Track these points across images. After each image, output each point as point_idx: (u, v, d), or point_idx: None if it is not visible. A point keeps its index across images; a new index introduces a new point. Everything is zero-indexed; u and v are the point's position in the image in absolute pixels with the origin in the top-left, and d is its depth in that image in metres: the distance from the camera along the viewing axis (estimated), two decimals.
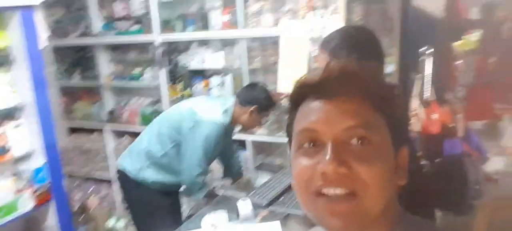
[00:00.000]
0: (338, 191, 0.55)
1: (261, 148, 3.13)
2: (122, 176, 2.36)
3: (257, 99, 2.29)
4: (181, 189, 2.42)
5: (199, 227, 1.74)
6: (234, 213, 1.79)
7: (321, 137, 0.57)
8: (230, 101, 2.34)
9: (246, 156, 3.04)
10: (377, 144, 0.57)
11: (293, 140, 0.63)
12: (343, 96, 0.57)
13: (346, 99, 0.57)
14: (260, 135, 2.99)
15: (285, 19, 2.66)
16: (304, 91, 0.62)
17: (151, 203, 2.32)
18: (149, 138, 2.34)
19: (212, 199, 2.19)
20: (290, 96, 0.65)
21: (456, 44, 4.64)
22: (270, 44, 2.93)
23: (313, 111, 0.59)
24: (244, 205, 1.78)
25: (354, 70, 0.59)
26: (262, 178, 2.29)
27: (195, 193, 2.28)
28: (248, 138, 2.99)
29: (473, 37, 4.69)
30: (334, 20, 2.37)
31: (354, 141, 0.56)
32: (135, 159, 2.33)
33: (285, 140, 2.46)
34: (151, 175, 2.30)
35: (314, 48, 2.28)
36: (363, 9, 2.45)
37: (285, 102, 2.65)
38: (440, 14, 3.59)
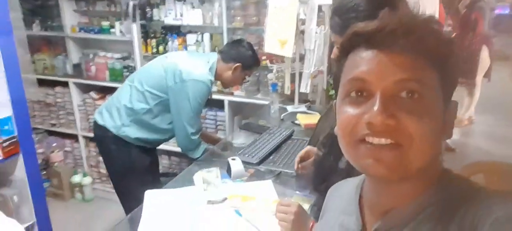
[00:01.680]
0: (383, 141, 0.55)
1: (239, 109, 3.13)
2: (101, 131, 2.27)
3: (241, 57, 2.24)
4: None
5: (189, 183, 1.73)
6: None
7: (371, 87, 0.57)
8: (213, 57, 2.27)
9: (223, 117, 3.03)
10: (428, 99, 0.56)
11: (341, 88, 0.62)
12: (397, 48, 0.56)
13: (400, 52, 0.56)
14: (239, 96, 2.98)
15: None
16: (356, 40, 0.60)
17: (131, 159, 2.25)
18: (130, 94, 2.24)
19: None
20: (341, 43, 0.63)
21: None
22: (252, 4, 2.88)
23: (364, 61, 0.58)
24: (236, 163, 1.78)
25: (413, 23, 0.57)
26: (243, 139, 2.29)
27: (192, 152, 2.24)
28: (226, 98, 2.97)
29: None
30: None
31: (403, 94, 0.55)
32: (116, 115, 2.23)
33: (263, 102, 2.48)
34: (134, 132, 2.23)
35: (302, 10, 2.26)
36: None
37: (267, 64, 2.65)
38: None
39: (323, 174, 1.22)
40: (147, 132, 2.25)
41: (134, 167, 2.26)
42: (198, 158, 2.21)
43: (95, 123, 2.30)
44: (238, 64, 2.24)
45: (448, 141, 4.06)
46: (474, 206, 0.55)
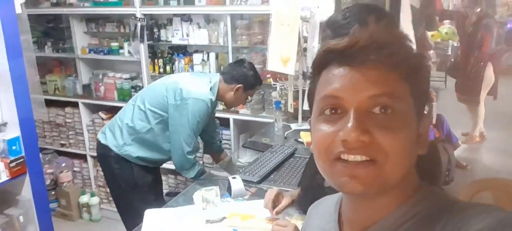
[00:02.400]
0: (359, 158, 0.55)
1: (244, 127, 3.13)
2: (104, 150, 2.29)
3: (243, 77, 2.25)
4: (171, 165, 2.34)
5: (190, 202, 1.72)
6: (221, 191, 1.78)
7: (344, 104, 0.56)
8: (215, 77, 2.28)
9: (229, 135, 3.03)
10: (401, 113, 0.56)
11: (315, 106, 0.62)
12: (369, 64, 0.56)
13: (372, 67, 0.56)
14: (244, 114, 2.99)
15: None
16: (328, 57, 0.60)
17: (133, 179, 2.26)
18: (133, 113, 2.25)
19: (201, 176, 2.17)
20: (314, 61, 0.64)
21: (430, 33, 4.78)
22: (256, 23, 2.91)
23: (337, 78, 0.58)
24: (236, 182, 1.77)
25: (383, 38, 0.57)
26: (248, 157, 2.28)
27: (187, 172, 2.23)
28: (231, 117, 2.98)
29: (444, 29, 4.84)
30: (325, 1, 2.37)
31: (377, 110, 0.55)
32: (118, 134, 2.26)
33: (268, 120, 2.47)
34: (135, 151, 2.23)
35: (305, 27, 2.27)
36: None
37: (271, 82, 2.66)
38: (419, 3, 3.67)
39: (311, 193, 1.21)
40: (148, 151, 2.26)
41: (136, 186, 2.27)
42: (193, 178, 2.21)
43: (98, 142, 2.32)
44: (240, 85, 2.24)
45: (460, 157, 3.99)
46: (453, 219, 0.54)
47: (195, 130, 2.16)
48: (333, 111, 0.58)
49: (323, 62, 0.61)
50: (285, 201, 1.53)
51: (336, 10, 1.29)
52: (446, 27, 4.76)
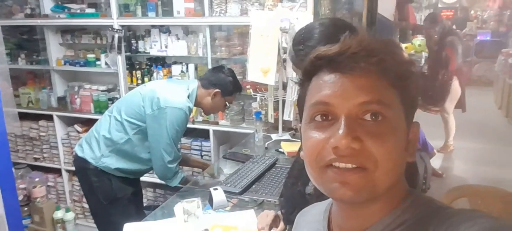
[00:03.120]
0: (349, 166, 0.55)
1: (224, 138, 3.11)
2: (81, 164, 2.23)
3: (221, 82, 2.23)
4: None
5: (171, 215, 1.69)
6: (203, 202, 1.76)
7: (335, 110, 0.57)
8: (193, 84, 2.25)
9: (209, 146, 3.01)
10: (391, 120, 0.56)
11: (305, 112, 0.62)
12: (360, 71, 0.57)
13: (362, 74, 0.57)
14: (223, 125, 2.98)
15: (254, 9, 2.66)
16: (319, 64, 0.61)
17: (112, 192, 2.21)
18: (109, 124, 2.20)
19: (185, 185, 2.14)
20: (304, 67, 0.64)
21: (404, 46, 4.90)
22: (235, 34, 2.92)
23: (327, 85, 0.58)
24: (218, 193, 1.75)
25: (373, 45, 0.58)
26: (228, 168, 2.27)
27: (170, 181, 2.21)
28: (211, 128, 2.97)
29: (417, 41, 4.97)
30: (303, 13, 2.40)
31: (367, 117, 0.56)
32: (95, 146, 2.21)
33: (248, 130, 2.46)
34: (114, 163, 2.19)
35: (284, 38, 2.29)
36: (331, 3, 2.50)
37: (251, 93, 2.66)
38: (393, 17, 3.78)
39: (293, 202, 1.21)
40: (127, 162, 2.21)
41: (115, 199, 2.21)
42: (176, 186, 2.18)
43: (76, 155, 2.27)
44: (217, 90, 2.22)
45: (436, 166, 4.08)
46: (441, 226, 0.55)
47: (175, 138, 2.13)
48: (324, 117, 0.58)
49: (313, 68, 0.62)
50: (282, 225, 1.48)
51: (308, 24, 1.29)
52: (419, 39, 4.89)
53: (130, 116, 2.16)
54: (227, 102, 2.32)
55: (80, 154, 2.23)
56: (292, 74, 2.30)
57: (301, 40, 1.24)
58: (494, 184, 2.55)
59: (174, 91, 2.16)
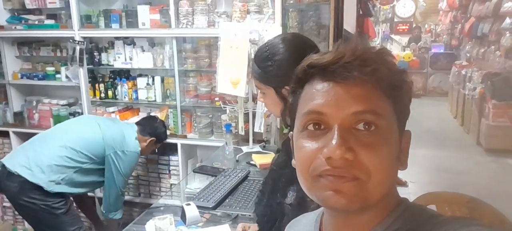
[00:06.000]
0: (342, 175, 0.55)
1: (192, 152, 3.06)
2: (24, 185, 2.25)
3: (156, 133, 2.65)
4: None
5: None
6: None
7: (328, 120, 0.56)
8: (134, 127, 2.58)
9: (177, 161, 2.95)
10: (384, 130, 0.56)
11: (297, 120, 0.61)
12: (353, 80, 0.56)
13: (356, 84, 0.56)
14: (192, 138, 2.93)
15: (221, 21, 2.64)
16: (311, 72, 0.60)
17: (66, 209, 2.37)
18: (58, 150, 2.32)
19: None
20: (296, 75, 0.63)
21: None
22: (203, 46, 2.89)
23: (320, 93, 0.58)
24: (191, 209, 1.70)
25: (366, 55, 0.58)
26: (197, 183, 2.23)
27: (114, 213, 2.55)
28: (179, 141, 2.91)
29: None
30: (272, 25, 2.41)
31: (360, 126, 0.56)
32: (47, 171, 2.27)
33: (217, 143, 2.43)
34: (67, 189, 2.34)
35: (253, 50, 2.28)
36: (299, 15, 2.53)
37: (221, 105, 2.63)
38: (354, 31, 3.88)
39: (273, 214, 1.19)
40: (79, 186, 2.42)
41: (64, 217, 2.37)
42: (120, 219, 2.57)
43: (19, 176, 2.27)
44: (152, 138, 2.61)
45: (399, 175, 4.18)
46: None
47: (128, 176, 2.57)
48: (317, 126, 0.58)
49: (305, 76, 0.61)
50: None
51: (267, 42, 1.29)
52: None
53: (88, 150, 2.36)
54: (156, 149, 2.75)
55: (33, 180, 2.25)
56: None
57: (268, 56, 1.24)
58: (454, 189, 2.66)
59: (129, 136, 2.48)
